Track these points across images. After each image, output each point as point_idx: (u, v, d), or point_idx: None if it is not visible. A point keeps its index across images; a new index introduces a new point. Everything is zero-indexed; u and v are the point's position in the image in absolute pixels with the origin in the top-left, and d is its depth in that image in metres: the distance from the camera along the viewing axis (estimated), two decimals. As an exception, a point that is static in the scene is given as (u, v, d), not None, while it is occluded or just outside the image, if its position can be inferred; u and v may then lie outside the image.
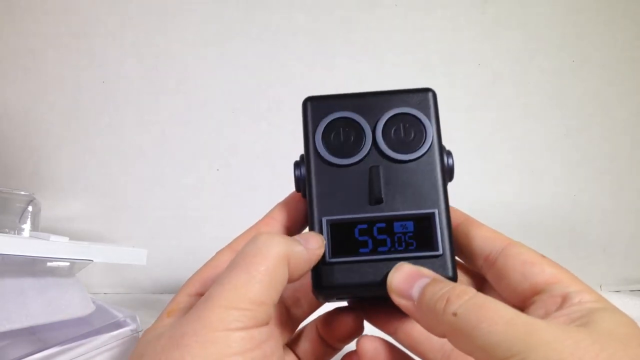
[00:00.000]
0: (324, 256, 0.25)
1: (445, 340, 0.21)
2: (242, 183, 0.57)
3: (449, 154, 0.27)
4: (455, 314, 0.20)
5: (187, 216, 0.57)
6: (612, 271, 0.59)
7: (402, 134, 0.27)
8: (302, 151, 0.28)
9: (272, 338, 0.22)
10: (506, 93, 0.57)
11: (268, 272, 0.22)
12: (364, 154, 0.27)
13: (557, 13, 0.56)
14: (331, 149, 0.27)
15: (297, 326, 0.30)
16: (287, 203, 0.29)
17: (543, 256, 0.25)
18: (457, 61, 0.57)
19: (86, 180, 0.57)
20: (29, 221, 0.47)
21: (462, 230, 0.27)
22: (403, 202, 0.26)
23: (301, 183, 0.28)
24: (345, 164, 0.27)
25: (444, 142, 0.27)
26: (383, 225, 0.26)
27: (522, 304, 0.24)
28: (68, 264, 0.39)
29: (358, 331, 0.28)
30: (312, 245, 0.24)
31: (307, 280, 0.26)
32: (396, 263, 0.25)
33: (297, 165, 0.28)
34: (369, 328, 0.28)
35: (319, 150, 0.27)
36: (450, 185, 0.27)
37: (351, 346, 0.29)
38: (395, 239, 0.26)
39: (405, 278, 0.24)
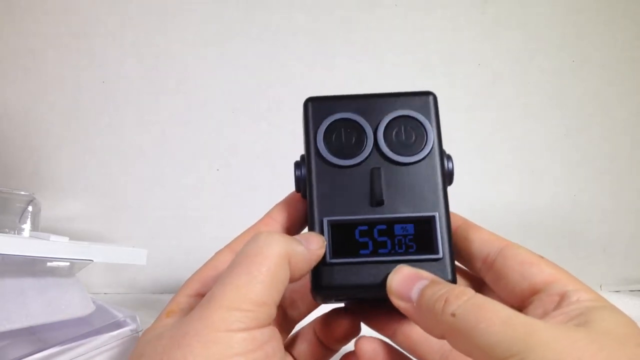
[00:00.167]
0: (324, 257, 0.25)
1: (444, 341, 0.21)
2: (242, 183, 0.57)
3: (449, 157, 0.27)
4: (453, 315, 0.20)
5: (187, 216, 0.57)
6: (612, 271, 0.59)
7: (404, 137, 0.27)
8: (302, 151, 0.28)
9: (273, 339, 0.22)
10: (506, 93, 0.57)
11: (269, 272, 0.22)
12: (366, 155, 0.27)
13: (557, 13, 0.56)
14: (332, 149, 0.27)
15: (293, 328, 0.30)
16: (286, 203, 0.29)
17: (541, 257, 0.25)
18: (457, 61, 0.57)
19: (86, 180, 0.57)
20: (29, 221, 0.47)
21: (460, 233, 0.27)
22: (404, 205, 0.26)
23: (301, 183, 0.28)
24: (346, 165, 0.27)
25: (444, 143, 0.27)
26: (384, 227, 0.26)
27: (521, 304, 0.24)
28: (68, 264, 0.39)
29: (355, 332, 0.28)
30: (313, 245, 0.24)
31: (304, 281, 0.26)
32: (396, 265, 0.25)
33: (297, 165, 0.28)
34: (367, 329, 0.28)
35: (321, 150, 0.27)
36: (450, 186, 0.27)
37: (349, 347, 0.29)
38: (396, 241, 0.26)
39: (405, 280, 0.24)
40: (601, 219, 0.58)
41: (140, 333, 0.38)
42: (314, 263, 0.25)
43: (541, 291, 0.23)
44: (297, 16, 0.56)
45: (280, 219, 0.28)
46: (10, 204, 0.46)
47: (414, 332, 0.27)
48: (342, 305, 0.29)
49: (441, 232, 0.26)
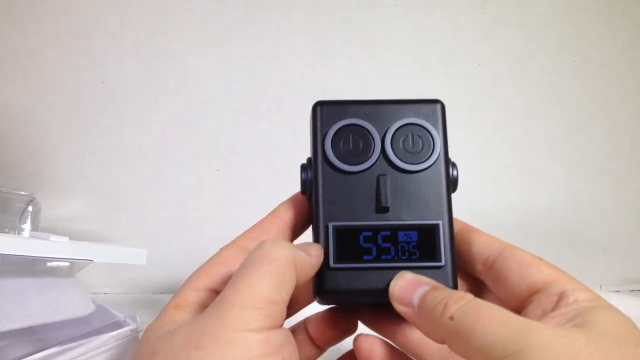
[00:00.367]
0: (328, 261, 0.26)
1: None
2: (242, 183, 0.57)
3: (454, 165, 0.28)
4: (452, 318, 0.20)
5: (187, 216, 0.57)
6: (612, 271, 0.59)
7: (411, 145, 0.27)
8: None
9: (290, 343, 0.22)
10: (506, 93, 0.57)
11: (278, 273, 0.22)
12: (372, 162, 0.27)
13: (557, 13, 0.56)
14: (340, 155, 0.27)
15: None
16: (292, 202, 0.29)
17: (540, 258, 0.25)
18: (457, 61, 0.57)
19: (86, 180, 0.57)
20: (29, 221, 0.47)
21: (461, 236, 0.28)
22: (408, 212, 0.26)
23: (307, 186, 0.28)
24: (353, 170, 0.27)
25: None
26: (388, 233, 0.26)
27: (521, 304, 0.24)
28: (68, 264, 0.39)
29: (351, 331, 0.28)
30: (312, 252, 0.25)
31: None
32: (399, 271, 0.25)
33: (303, 168, 0.28)
34: (359, 328, 0.29)
35: (328, 155, 0.27)
36: (454, 192, 0.28)
37: (340, 348, 0.29)
38: (399, 247, 0.26)
39: (407, 286, 0.24)
40: (601, 219, 0.58)
41: (141, 333, 0.38)
42: (316, 268, 0.25)
43: (540, 291, 0.23)
44: (297, 16, 0.56)
45: (285, 218, 0.28)
46: (10, 204, 0.46)
47: (414, 333, 0.27)
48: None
49: (444, 240, 0.26)
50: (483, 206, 0.57)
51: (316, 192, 0.27)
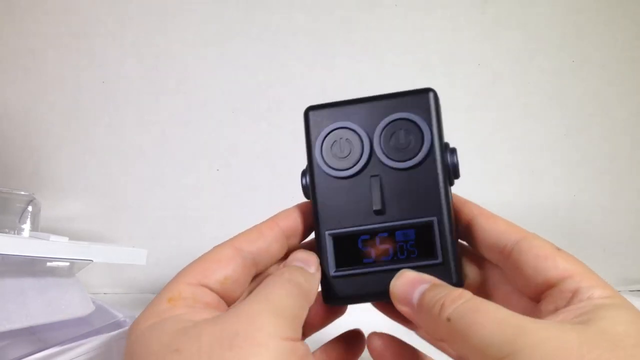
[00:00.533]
0: (328, 270, 0.26)
1: None
2: (242, 183, 0.57)
3: (453, 151, 0.27)
4: (449, 319, 0.20)
5: (187, 216, 0.57)
6: (612, 271, 0.59)
7: (400, 141, 0.26)
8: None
9: (309, 356, 0.22)
10: (506, 93, 0.57)
11: (301, 294, 0.24)
12: (363, 164, 0.27)
13: (557, 13, 0.56)
14: (331, 160, 0.27)
15: None
16: (294, 210, 0.29)
17: (558, 249, 0.24)
18: (457, 61, 0.57)
19: (86, 180, 0.57)
20: (28, 221, 0.47)
21: (477, 223, 0.27)
22: (404, 211, 0.26)
23: (307, 192, 0.28)
24: (345, 175, 0.27)
25: (446, 140, 0.27)
26: (385, 234, 0.26)
27: (537, 297, 0.24)
28: (68, 264, 0.39)
29: (331, 318, 0.29)
30: (312, 268, 0.26)
31: None
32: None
33: (303, 174, 0.28)
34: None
35: (319, 163, 0.27)
36: (457, 179, 0.27)
37: (322, 336, 0.29)
38: (398, 247, 0.26)
39: (406, 285, 0.24)
40: (601, 219, 0.58)
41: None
42: (318, 282, 0.26)
43: (555, 286, 0.23)
44: (297, 16, 0.56)
45: (283, 225, 0.28)
46: (10, 204, 0.46)
47: None
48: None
49: (441, 236, 0.25)
50: (483, 206, 0.57)
51: (313, 200, 0.27)
